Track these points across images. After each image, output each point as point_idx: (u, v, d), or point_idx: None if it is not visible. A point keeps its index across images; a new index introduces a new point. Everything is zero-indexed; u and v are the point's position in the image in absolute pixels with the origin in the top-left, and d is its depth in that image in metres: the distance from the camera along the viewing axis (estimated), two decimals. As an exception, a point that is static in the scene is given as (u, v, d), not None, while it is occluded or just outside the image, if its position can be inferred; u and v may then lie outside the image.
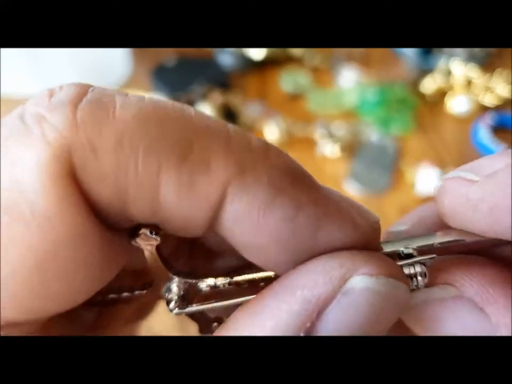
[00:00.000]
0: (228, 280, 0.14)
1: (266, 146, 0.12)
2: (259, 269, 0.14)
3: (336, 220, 0.12)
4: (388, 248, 0.13)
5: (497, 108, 0.64)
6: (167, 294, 0.14)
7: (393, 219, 0.51)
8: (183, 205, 0.11)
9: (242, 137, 0.12)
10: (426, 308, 0.13)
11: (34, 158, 0.10)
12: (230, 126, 0.12)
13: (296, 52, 0.72)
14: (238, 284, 0.14)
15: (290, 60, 0.71)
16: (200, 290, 0.14)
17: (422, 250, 0.13)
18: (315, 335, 0.11)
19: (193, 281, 0.14)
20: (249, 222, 0.11)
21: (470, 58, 0.69)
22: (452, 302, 0.13)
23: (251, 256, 0.12)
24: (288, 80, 0.68)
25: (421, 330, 0.14)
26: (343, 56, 0.71)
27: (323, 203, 0.12)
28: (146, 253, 0.13)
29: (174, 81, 0.63)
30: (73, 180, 0.11)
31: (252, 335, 0.11)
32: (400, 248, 0.13)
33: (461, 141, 0.61)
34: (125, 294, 0.15)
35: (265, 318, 0.11)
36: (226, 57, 0.68)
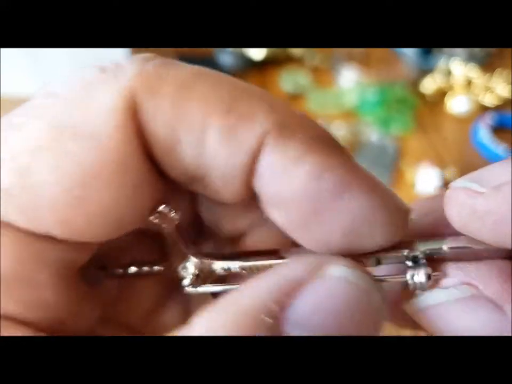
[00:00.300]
0: (241, 263, 0.14)
1: (304, 113, 0.13)
2: (271, 256, 0.14)
3: (362, 187, 0.12)
4: (394, 251, 0.13)
5: (497, 108, 0.64)
6: (182, 272, 0.15)
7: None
8: (225, 149, 0.12)
9: (282, 102, 0.13)
10: (444, 308, 0.13)
11: (106, 90, 0.12)
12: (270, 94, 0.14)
13: (296, 51, 0.72)
14: (251, 269, 0.14)
15: (290, 59, 0.71)
16: (213, 272, 0.15)
17: (430, 254, 0.13)
18: (289, 316, 0.11)
19: (208, 262, 0.15)
20: (280, 174, 0.12)
21: (470, 58, 0.69)
22: (471, 301, 0.13)
23: (276, 212, 0.13)
24: (288, 80, 0.68)
25: (438, 331, 0.14)
26: (343, 56, 0.71)
27: (351, 170, 0.13)
28: (165, 232, 0.14)
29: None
30: (133, 115, 0.12)
31: (229, 311, 0.11)
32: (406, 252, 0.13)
33: (461, 141, 0.61)
34: (145, 268, 0.15)
35: (245, 294, 0.11)
36: (226, 57, 0.68)
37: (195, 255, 0.15)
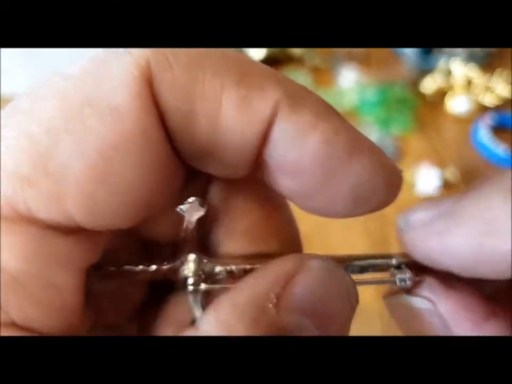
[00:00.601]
0: (244, 266, 0.14)
1: (307, 87, 0.14)
2: (268, 258, 0.14)
3: (367, 149, 0.13)
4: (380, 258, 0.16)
5: (497, 108, 0.64)
6: (185, 270, 0.14)
7: (393, 219, 0.51)
8: (240, 119, 0.13)
9: (289, 77, 0.14)
10: (409, 310, 0.16)
11: (119, 63, 0.12)
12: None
13: (296, 51, 0.72)
14: (249, 271, 0.14)
15: (290, 59, 0.71)
16: (216, 273, 0.15)
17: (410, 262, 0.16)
18: (286, 304, 0.12)
19: (213, 262, 0.15)
20: (294, 141, 0.13)
21: (470, 58, 0.69)
22: (428, 313, 0.15)
23: (286, 180, 0.14)
24: (288, 80, 0.68)
25: (402, 327, 0.17)
26: (343, 56, 0.71)
27: (356, 133, 0.13)
28: (185, 226, 0.14)
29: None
30: (149, 85, 0.12)
31: (235, 304, 0.12)
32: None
33: (461, 141, 0.61)
34: (141, 267, 0.15)
35: (247, 288, 0.13)
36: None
37: (202, 252, 0.15)
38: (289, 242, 0.16)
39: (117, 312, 0.16)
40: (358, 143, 0.13)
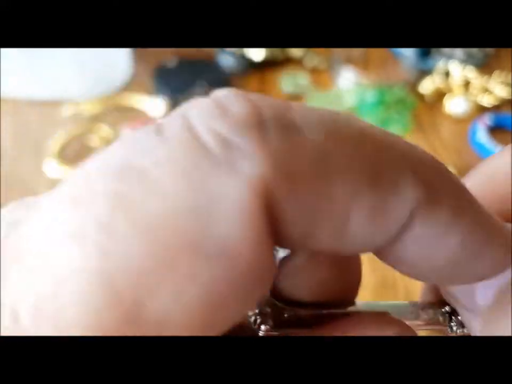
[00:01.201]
0: (312, 313, 0.14)
1: (447, 169, 0.12)
2: (341, 306, 0.14)
3: (498, 243, 0.12)
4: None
5: (495, 109, 0.65)
6: (257, 316, 0.13)
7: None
8: (371, 228, 0.10)
9: (428, 157, 0.11)
10: None
11: (229, 190, 0.09)
12: (413, 144, 0.11)
13: (296, 53, 0.72)
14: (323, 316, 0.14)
15: (289, 61, 0.71)
16: (285, 318, 0.14)
17: None
18: None
19: (283, 307, 0.14)
20: (428, 243, 0.11)
21: (468, 60, 0.69)
22: None
23: (407, 271, 0.12)
24: (288, 81, 0.68)
25: None
26: (342, 57, 0.71)
27: (492, 226, 0.12)
28: None
29: (175, 82, 0.63)
30: (270, 215, 0.09)
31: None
32: None
33: (459, 141, 0.61)
34: None
35: None
36: (226, 58, 0.68)
37: (276, 298, 0.14)
38: (352, 291, 0.15)
39: None
40: (491, 237, 0.12)
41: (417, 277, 0.12)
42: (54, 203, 0.10)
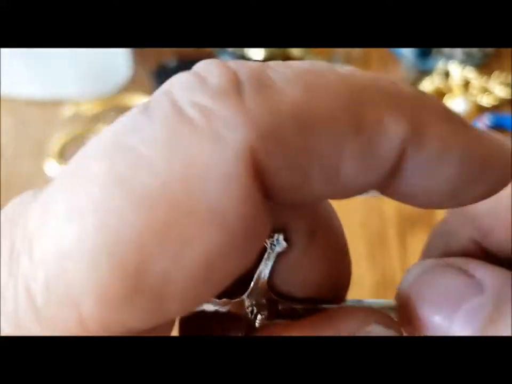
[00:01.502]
0: (305, 307, 0.14)
1: (432, 97, 0.12)
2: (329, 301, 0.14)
3: (498, 160, 0.12)
4: None
5: (494, 109, 0.65)
6: (253, 307, 0.14)
7: (393, 220, 0.51)
8: (362, 169, 0.11)
9: (411, 90, 0.11)
10: None
11: (213, 158, 0.09)
12: (394, 80, 0.12)
13: (296, 52, 0.72)
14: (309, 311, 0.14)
15: (289, 60, 0.71)
16: (279, 311, 0.14)
17: None
18: None
19: (277, 300, 0.14)
20: (423, 174, 0.11)
21: (468, 60, 0.69)
22: None
23: (412, 200, 0.12)
24: (287, 81, 0.68)
25: None
26: (342, 57, 0.71)
27: (486, 147, 0.12)
28: (266, 256, 0.14)
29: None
30: (256, 175, 0.10)
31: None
32: None
33: (460, 142, 0.61)
34: (224, 299, 0.14)
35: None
36: (226, 58, 0.68)
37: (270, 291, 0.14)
38: (343, 288, 0.15)
39: None
40: (489, 155, 0.12)
41: (424, 205, 0.12)
42: (53, 187, 0.11)
